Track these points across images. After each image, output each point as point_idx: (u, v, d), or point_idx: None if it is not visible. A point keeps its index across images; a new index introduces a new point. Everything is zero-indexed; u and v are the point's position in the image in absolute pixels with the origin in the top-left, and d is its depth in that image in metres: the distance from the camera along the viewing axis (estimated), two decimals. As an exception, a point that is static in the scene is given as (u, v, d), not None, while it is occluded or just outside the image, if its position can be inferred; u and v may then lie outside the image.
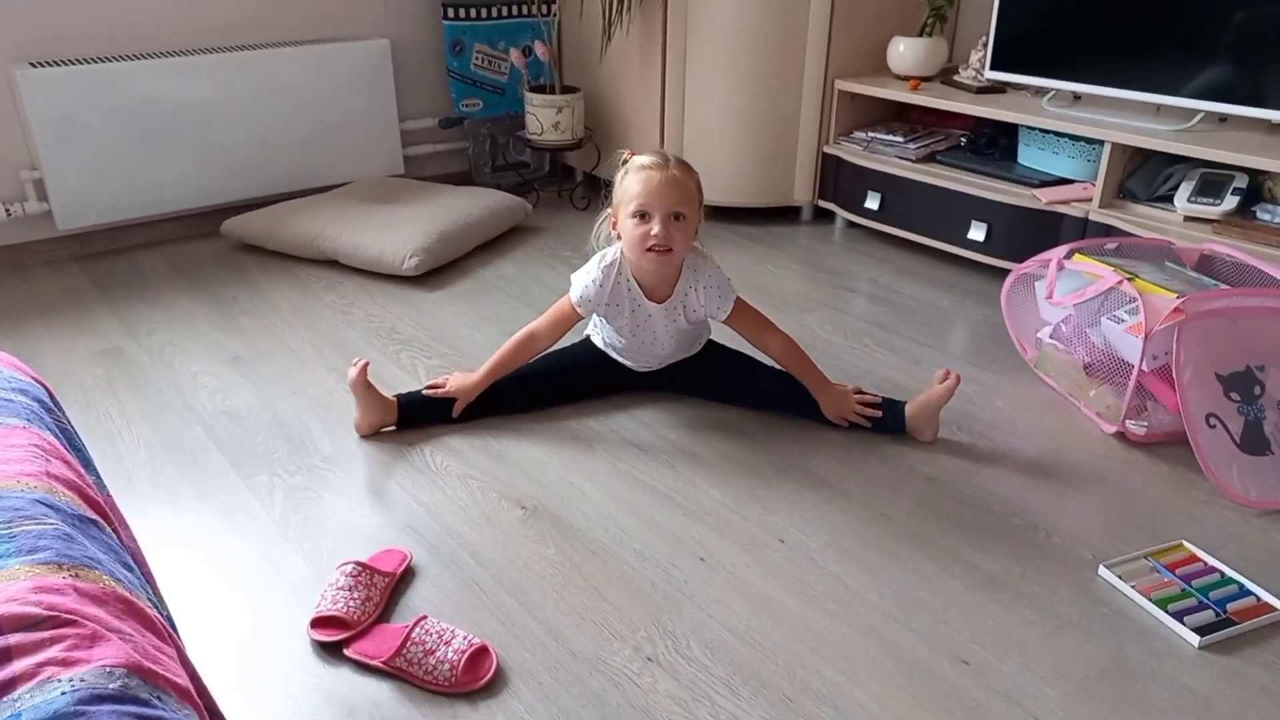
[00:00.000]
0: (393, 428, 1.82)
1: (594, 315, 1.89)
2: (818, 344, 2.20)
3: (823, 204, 2.99)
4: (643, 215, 1.69)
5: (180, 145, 2.69)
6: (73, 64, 2.51)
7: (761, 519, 1.59)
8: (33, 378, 1.22)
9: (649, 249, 1.69)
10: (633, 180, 1.70)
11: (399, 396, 1.82)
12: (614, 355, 1.94)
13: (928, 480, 1.70)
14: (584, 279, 1.80)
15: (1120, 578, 1.43)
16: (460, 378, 1.85)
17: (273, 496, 1.63)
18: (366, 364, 1.75)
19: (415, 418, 1.82)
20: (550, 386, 1.91)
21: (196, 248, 2.76)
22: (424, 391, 1.84)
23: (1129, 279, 1.80)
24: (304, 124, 2.89)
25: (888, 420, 1.80)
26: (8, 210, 2.54)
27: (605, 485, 1.68)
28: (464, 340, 2.21)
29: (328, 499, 1.63)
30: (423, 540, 1.52)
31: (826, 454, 1.77)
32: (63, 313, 2.33)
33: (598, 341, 1.96)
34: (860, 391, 1.85)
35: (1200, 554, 1.49)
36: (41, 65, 2.48)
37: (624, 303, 1.81)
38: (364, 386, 1.76)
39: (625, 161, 1.75)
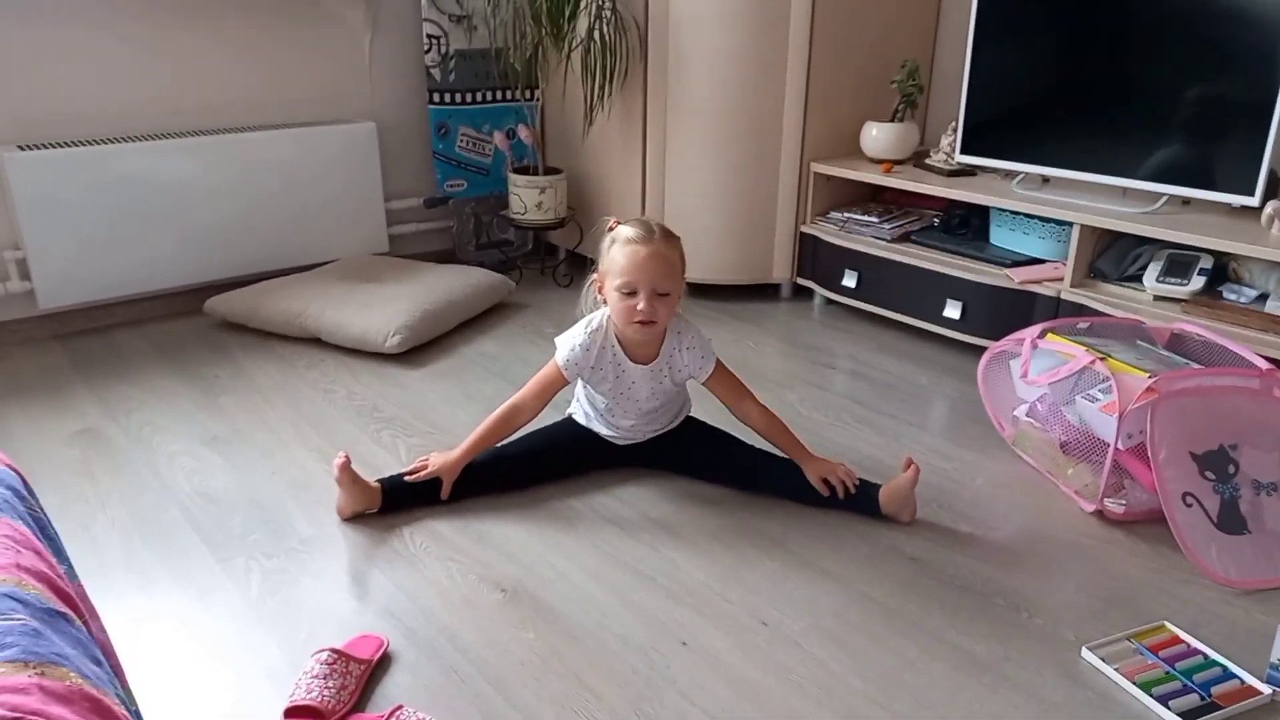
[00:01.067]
0: (375, 510, 1.80)
1: (577, 388, 1.91)
2: (799, 421, 2.21)
3: (801, 281, 3.04)
4: (630, 291, 1.72)
5: (164, 224, 2.72)
6: (58, 146, 2.55)
7: (744, 600, 1.57)
8: (5, 464, 1.21)
9: (635, 321, 1.74)
10: (619, 254, 1.72)
11: (382, 481, 1.81)
12: (597, 429, 1.94)
13: (910, 560, 1.69)
14: (570, 342, 1.83)
15: (1103, 660, 1.42)
16: (440, 457, 1.84)
17: (249, 579, 1.61)
18: (348, 459, 1.74)
19: (399, 501, 1.81)
20: (533, 464, 1.91)
21: (178, 326, 2.77)
22: (406, 478, 1.82)
23: (1102, 358, 1.83)
24: (289, 203, 2.93)
25: (862, 501, 1.81)
26: (-9, 289, 2.55)
27: (586, 566, 1.66)
28: (446, 418, 2.21)
29: (305, 583, 1.60)
30: (400, 625, 1.50)
31: (808, 532, 1.77)
32: (40, 393, 2.31)
33: (580, 418, 1.97)
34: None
35: (1183, 635, 1.49)
36: (28, 148, 2.52)
37: (608, 367, 1.83)
38: (349, 478, 1.75)
39: (611, 230, 1.78)
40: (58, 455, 2.01)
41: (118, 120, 2.69)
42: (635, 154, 3.03)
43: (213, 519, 1.79)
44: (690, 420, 1.99)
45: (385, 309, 2.58)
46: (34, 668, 0.77)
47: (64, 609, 0.95)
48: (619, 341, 1.82)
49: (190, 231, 2.77)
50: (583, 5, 2.90)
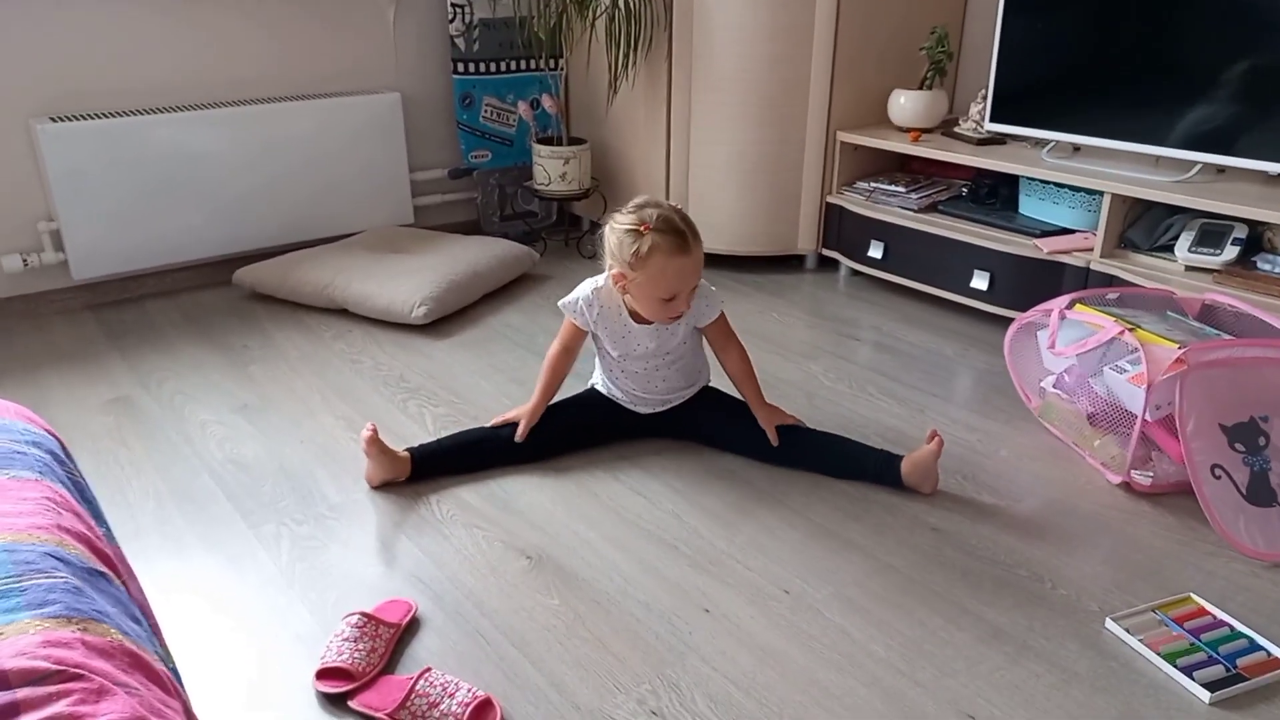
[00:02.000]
0: (403, 479, 1.83)
1: (596, 358, 1.95)
2: (822, 392, 2.21)
3: (826, 253, 3.02)
4: (670, 297, 1.76)
5: (193, 196, 2.75)
6: (90, 118, 2.58)
7: (766, 569, 1.58)
8: (45, 429, 1.23)
9: (671, 316, 1.81)
10: (661, 265, 1.72)
11: (411, 450, 1.83)
12: (617, 396, 1.96)
13: (933, 530, 1.69)
14: (575, 296, 1.88)
15: (1128, 631, 1.42)
16: (519, 410, 1.93)
17: (279, 546, 1.64)
18: (375, 430, 1.78)
19: (428, 470, 1.83)
20: (557, 435, 1.92)
21: (208, 296, 2.80)
22: (490, 425, 1.92)
23: (1130, 329, 1.81)
24: (315, 175, 2.94)
25: (884, 472, 1.81)
26: (25, 260, 2.59)
27: (610, 535, 1.68)
28: (471, 389, 2.23)
29: (334, 549, 1.63)
30: (428, 591, 1.53)
31: (830, 503, 1.77)
32: (75, 361, 2.36)
33: (601, 388, 1.98)
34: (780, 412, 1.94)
35: (1209, 607, 1.48)
36: (60, 120, 2.55)
37: (614, 324, 1.86)
38: (376, 449, 1.78)
39: (641, 232, 1.71)
40: (93, 422, 2.05)
41: (148, 92, 2.71)
42: (659, 124, 3.01)
43: (243, 486, 1.82)
44: (709, 390, 1.99)
45: (411, 280, 2.60)
46: (76, 623, 0.80)
47: (103, 569, 0.98)
48: (628, 310, 1.85)
49: (219, 202, 2.79)
50: (607, -27, 2.87)
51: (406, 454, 1.82)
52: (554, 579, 1.56)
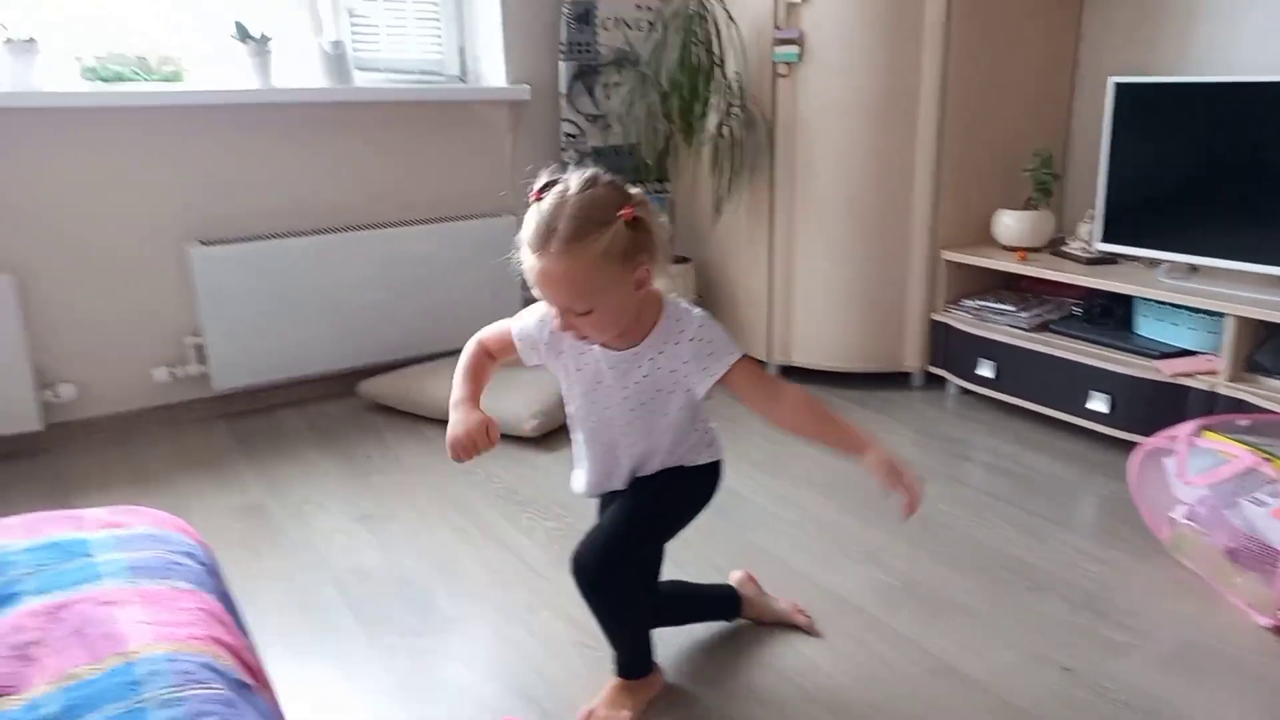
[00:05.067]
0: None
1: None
2: (936, 516, 2.16)
3: (934, 370, 3.00)
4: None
5: (322, 312, 2.93)
6: (234, 242, 2.80)
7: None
8: (198, 541, 1.32)
9: (574, 333, 1.34)
10: (524, 251, 1.28)
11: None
12: (589, 483, 1.55)
13: (1062, 670, 1.61)
14: (531, 312, 1.45)
15: (1287, 791, 1.32)
16: (462, 424, 1.38)
17: (395, 658, 1.67)
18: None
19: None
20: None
21: (333, 407, 2.95)
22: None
23: (1268, 459, 1.73)
24: (435, 292, 3.11)
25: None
26: (172, 373, 2.79)
27: (716, 657, 1.66)
28: (580, 503, 2.25)
29: (449, 664, 1.66)
30: (537, 708, 1.53)
31: (948, 634, 1.71)
32: (210, 469, 2.50)
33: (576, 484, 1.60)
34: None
35: (1378, 768, 1.36)
36: (208, 243, 2.78)
37: (568, 350, 1.42)
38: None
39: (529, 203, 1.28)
40: (226, 528, 2.15)
41: (285, 216, 2.94)
42: (762, 243, 3.08)
43: (364, 596, 1.88)
44: (680, 469, 1.48)
45: (523, 393, 2.68)
46: (235, 739, 0.84)
47: (250, 680, 1.03)
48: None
49: (346, 318, 2.97)
50: (712, 103, 3.01)
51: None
52: (664, 702, 1.54)
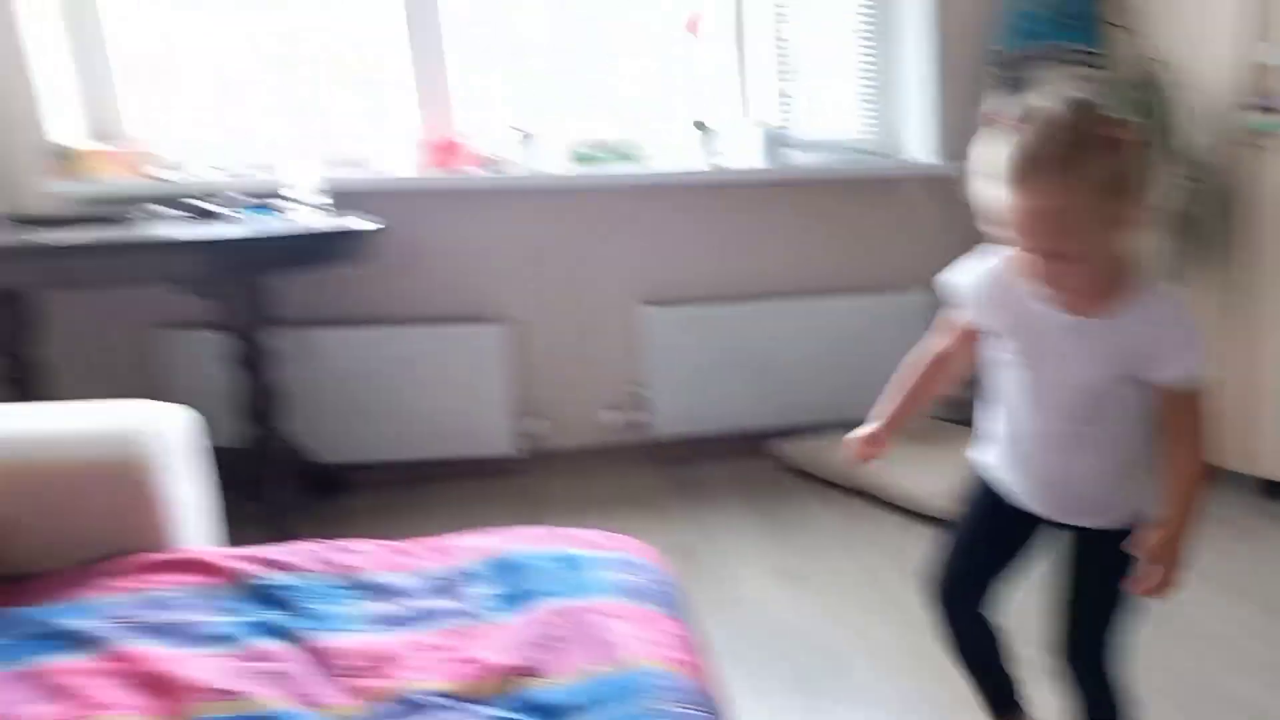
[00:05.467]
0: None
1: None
2: None
3: None
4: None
5: (750, 373, 3.15)
6: (677, 304, 3.13)
7: None
8: (669, 573, 1.48)
9: (1047, 279, 1.20)
10: (1009, 184, 1.14)
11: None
12: (1005, 478, 1.39)
13: None
14: (962, 270, 1.37)
15: None
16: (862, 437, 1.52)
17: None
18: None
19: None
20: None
21: (753, 464, 3.13)
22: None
23: None
24: (854, 362, 3.18)
25: None
26: (619, 416, 3.17)
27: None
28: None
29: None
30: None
31: None
32: (643, 507, 2.79)
33: (990, 456, 1.44)
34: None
35: None
36: (653, 304, 3.13)
37: (1011, 305, 1.27)
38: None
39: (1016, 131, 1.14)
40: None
41: (720, 282, 3.22)
42: (1213, 328, 2.74)
43: (776, 653, 1.97)
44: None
45: (934, 471, 2.65)
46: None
47: (723, 713, 1.14)
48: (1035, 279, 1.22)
49: (767, 379, 3.17)
50: (1157, 177, 2.76)
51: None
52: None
